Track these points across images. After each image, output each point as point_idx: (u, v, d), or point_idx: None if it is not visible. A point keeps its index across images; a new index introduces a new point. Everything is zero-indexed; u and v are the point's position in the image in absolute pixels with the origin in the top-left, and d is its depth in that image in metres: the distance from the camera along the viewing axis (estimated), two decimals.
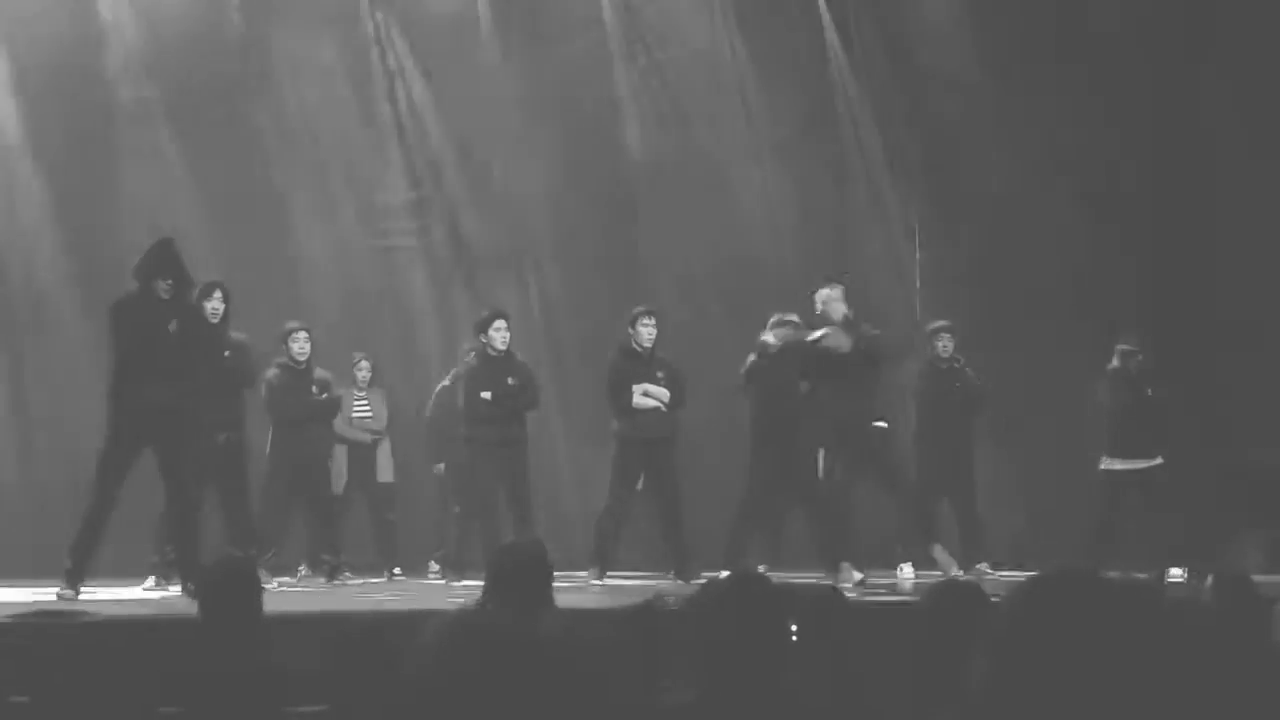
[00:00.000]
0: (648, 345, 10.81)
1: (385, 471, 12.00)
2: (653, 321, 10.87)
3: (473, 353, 11.20)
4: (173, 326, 9.01)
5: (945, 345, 11.65)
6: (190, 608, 6.71)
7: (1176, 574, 10.35)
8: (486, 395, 10.72)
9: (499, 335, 10.85)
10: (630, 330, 10.88)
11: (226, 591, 4.86)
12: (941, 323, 11.84)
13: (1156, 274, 12.85)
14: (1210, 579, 5.39)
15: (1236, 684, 3.98)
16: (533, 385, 10.97)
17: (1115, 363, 11.04)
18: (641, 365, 10.79)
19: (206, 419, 9.80)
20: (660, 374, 10.85)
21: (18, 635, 6.88)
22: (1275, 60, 12.40)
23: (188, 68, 12.77)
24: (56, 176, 12.44)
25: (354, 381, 11.94)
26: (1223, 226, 12.75)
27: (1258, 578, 5.49)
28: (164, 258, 9.12)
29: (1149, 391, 10.92)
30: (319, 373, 11.23)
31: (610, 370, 10.86)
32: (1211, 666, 3.94)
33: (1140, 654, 2.34)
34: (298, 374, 11.07)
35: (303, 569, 11.49)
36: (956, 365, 11.69)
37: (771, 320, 10.85)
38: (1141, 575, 9.05)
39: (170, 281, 9.02)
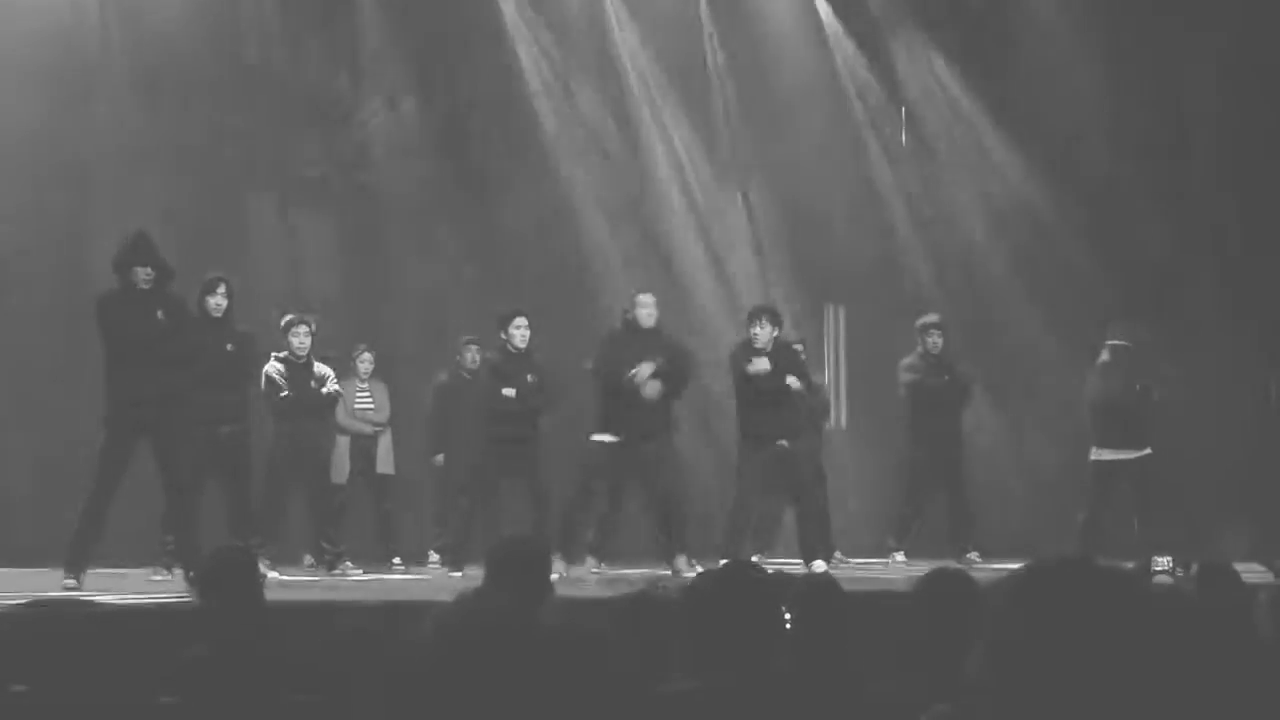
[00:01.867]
0: (648, 325, 10.67)
1: (385, 463, 12.04)
2: (652, 300, 10.71)
3: (469, 347, 11.25)
4: (160, 315, 9.09)
5: (935, 341, 11.72)
6: (191, 597, 6.78)
7: (1162, 564, 10.43)
8: (510, 392, 10.72)
9: (519, 333, 10.85)
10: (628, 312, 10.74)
11: (226, 581, 4.91)
12: (932, 317, 11.89)
13: (1147, 265, 12.94)
14: (1195, 569, 5.46)
15: (1220, 672, 4.05)
16: (550, 385, 10.97)
17: (1105, 356, 11.10)
18: (639, 342, 10.58)
19: (209, 411, 9.87)
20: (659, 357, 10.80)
21: (18, 624, 6.92)
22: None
23: (184, 59, 12.80)
24: (50, 167, 12.45)
25: (356, 373, 11.98)
26: (1212, 220, 12.85)
27: (1241, 568, 5.56)
28: (140, 248, 9.20)
29: (1138, 387, 10.99)
30: (319, 366, 11.28)
31: (605, 343, 10.74)
32: (1196, 655, 4.01)
33: (1128, 642, 2.38)
34: (297, 367, 11.12)
35: (308, 559, 11.54)
36: (946, 358, 11.77)
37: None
38: (1128, 565, 9.13)
39: (149, 270, 9.10)
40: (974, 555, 11.35)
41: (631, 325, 10.68)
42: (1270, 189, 12.59)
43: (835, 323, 13.66)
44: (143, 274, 9.11)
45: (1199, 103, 12.88)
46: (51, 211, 12.34)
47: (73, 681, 5.70)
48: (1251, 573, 7.50)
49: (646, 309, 10.65)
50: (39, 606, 6.95)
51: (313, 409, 11.19)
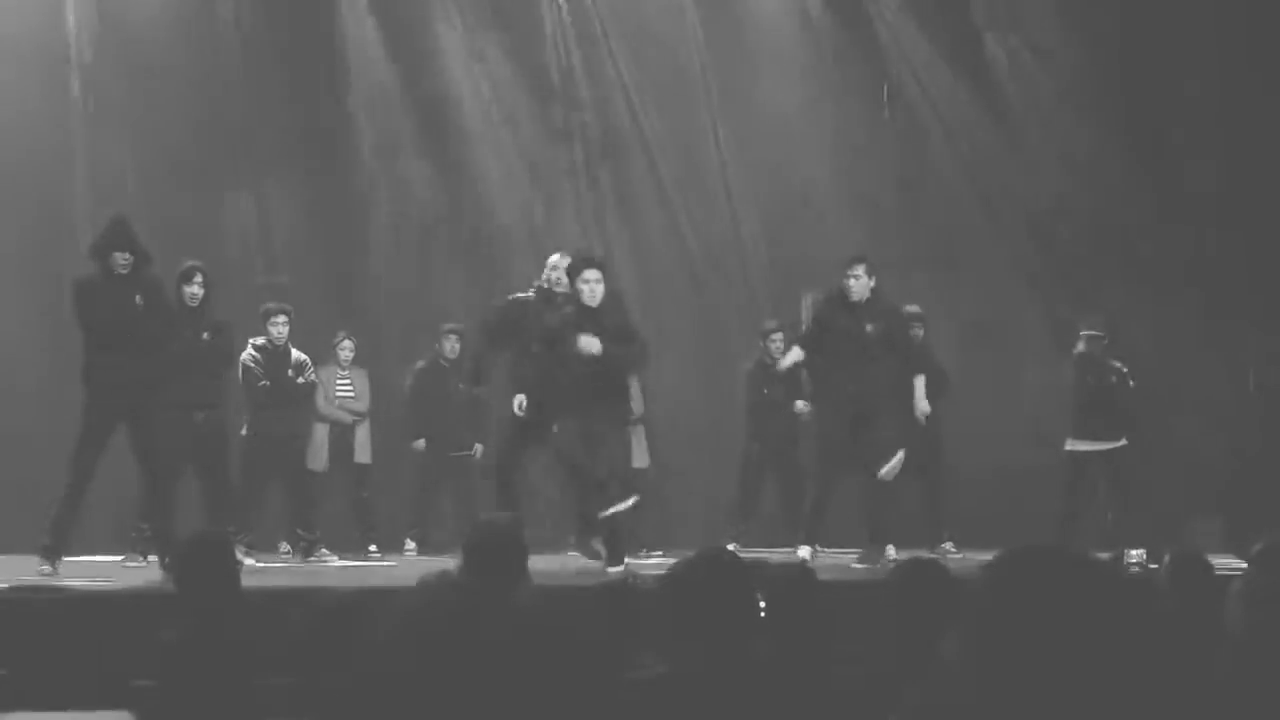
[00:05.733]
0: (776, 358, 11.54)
1: (362, 452, 12.00)
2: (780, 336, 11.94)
3: (449, 336, 11.25)
4: (138, 300, 9.05)
5: (916, 334, 11.69)
6: (168, 582, 6.76)
7: (1135, 555, 10.47)
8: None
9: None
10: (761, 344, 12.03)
11: (202, 566, 4.91)
12: (913, 308, 11.86)
13: (1126, 253, 12.98)
14: (1167, 560, 5.48)
15: (1191, 663, 4.07)
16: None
17: (1081, 346, 11.13)
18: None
19: (185, 398, 9.87)
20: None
21: None
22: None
23: (166, 41, 12.77)
24: (28, 154, 12.41)
25: (336, 360, 11.95)
26: (1195, 210, 12.89)
27: (1214, 560, 5.58)
28: (118, 233, 9.17)
29: (1114, 378, 11.03)
30: (296, 354, 11.25)
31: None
32: (1168, 646, 4.03)
33: (1101, 632, 2.39)
34: (274, 355, 11.09)
35: (284, 546, 11.50)
36: (925, 350, 11.76)
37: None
38: (1101, 555, 9.17)
39: (127, 255, 9.07)
40: (949, 545, 11.36)
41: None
42: (1252, 181, 12.63)
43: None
44: (120, 259, 9.08)
45: (1185, 92, 12.90)
46: (31, 204, 12.30)
47: (50, 665, 5.70)
48: (1226, 564, 7.53)
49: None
50: (17, 592, 6.94)
51: (289, 397, 11.17)
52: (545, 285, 10.01)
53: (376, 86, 13.50)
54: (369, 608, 4.31)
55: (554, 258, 10.06)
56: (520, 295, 10.13)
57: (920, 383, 10.46)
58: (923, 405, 10.48)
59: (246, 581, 5.30)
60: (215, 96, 12.94)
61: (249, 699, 4.45)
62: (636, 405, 11.95)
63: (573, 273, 9.63)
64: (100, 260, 9.14)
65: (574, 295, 9.48)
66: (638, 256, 13.56)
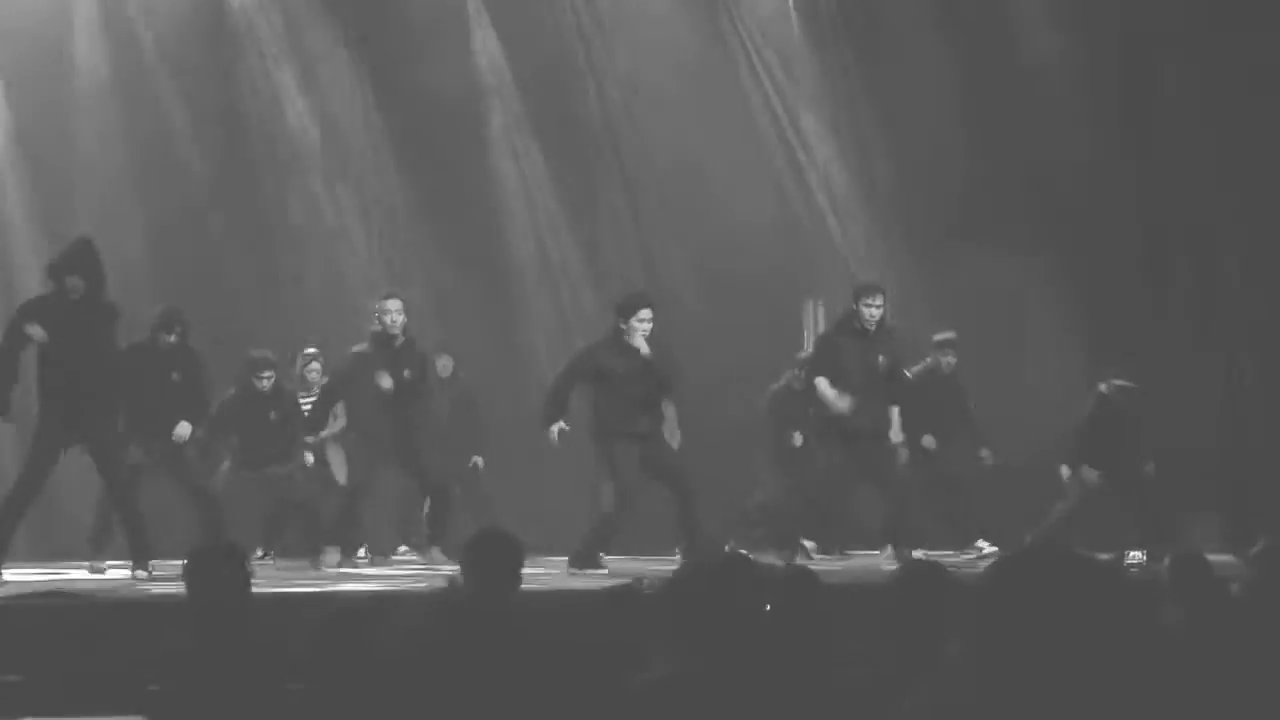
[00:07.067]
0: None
1: (339, 474, 11.92)
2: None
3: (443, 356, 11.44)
4: (87, 330, 8.72)
5: (949, 361, 11.54)
6: (157, 590, 6.78)
7: (1135, 556, 10.48)
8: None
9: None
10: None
11: (214, 573, 4.95)
12: (948, 334, 11.69)
13: (1113, 253, 12.99)
14: (1167, 560, 5.53)
15: (1192, 663, 4.11)
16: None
17: (1103, 388, 10.96)
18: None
19: (157, 440, 9.72)
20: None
21: (12, 616, 6.96)
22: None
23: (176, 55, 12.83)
24: (32, 168, 12.46)
25: (303, 382, 11.84)
26: (1177, 211, 12.92)
27: (1213, 558, 5.63)
28: (78, 256, 8.81)
29: (1128, 426, 10.91)
30: (288, 393, 11.30)
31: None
32: (1168, 646, 4.08)
33: (1102, 632, 2.42)
34: (259, 398, 11.11)
35: (258, 553, 11.40)
36: (955, 379, 11.65)
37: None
38: (1102, 557, 9.20)
39: (80, 279, 8.70)
40: (983, 544, 11.28)
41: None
42: (1248, 176, 12.65)
43: (814, 318, 13.63)
44: (73, 284, 8.71)
45: (1166, 99, 12.92)
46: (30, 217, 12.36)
47: (64, 671, 5.74)
48: (1224, 563, 7.58)
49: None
50: (32, 599, 6.97)
51: (268, 446, 11.16)
52: (382, 331, 10.21)
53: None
54: (378, 612, 4.36)
55: (391, 303, 10.25)
56: (359, 348, 10.41)
57: (897, 412, 10.50)
58: (898, 435, 10.60)
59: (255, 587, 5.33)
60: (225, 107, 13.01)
61: (261, 704, 4.49)
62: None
63: (627, 312, 9.74)
64: (55, 281, 8.79)
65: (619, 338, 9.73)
66: (640, 264, 13.59)
